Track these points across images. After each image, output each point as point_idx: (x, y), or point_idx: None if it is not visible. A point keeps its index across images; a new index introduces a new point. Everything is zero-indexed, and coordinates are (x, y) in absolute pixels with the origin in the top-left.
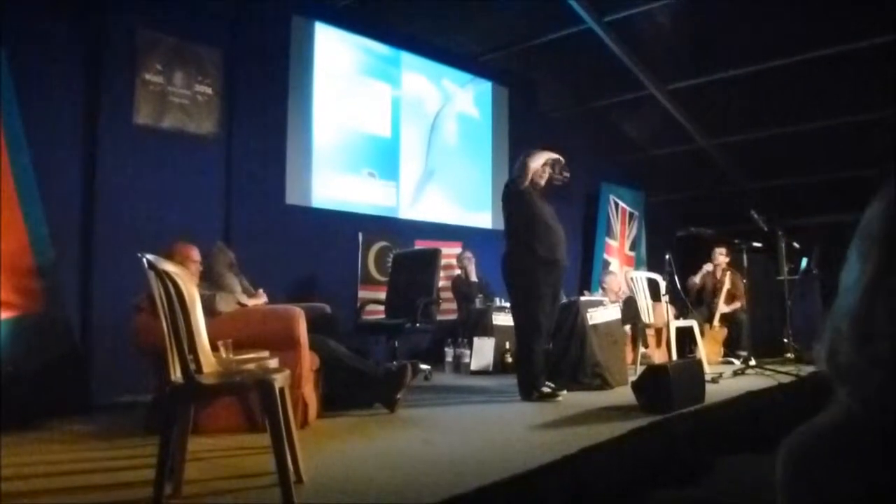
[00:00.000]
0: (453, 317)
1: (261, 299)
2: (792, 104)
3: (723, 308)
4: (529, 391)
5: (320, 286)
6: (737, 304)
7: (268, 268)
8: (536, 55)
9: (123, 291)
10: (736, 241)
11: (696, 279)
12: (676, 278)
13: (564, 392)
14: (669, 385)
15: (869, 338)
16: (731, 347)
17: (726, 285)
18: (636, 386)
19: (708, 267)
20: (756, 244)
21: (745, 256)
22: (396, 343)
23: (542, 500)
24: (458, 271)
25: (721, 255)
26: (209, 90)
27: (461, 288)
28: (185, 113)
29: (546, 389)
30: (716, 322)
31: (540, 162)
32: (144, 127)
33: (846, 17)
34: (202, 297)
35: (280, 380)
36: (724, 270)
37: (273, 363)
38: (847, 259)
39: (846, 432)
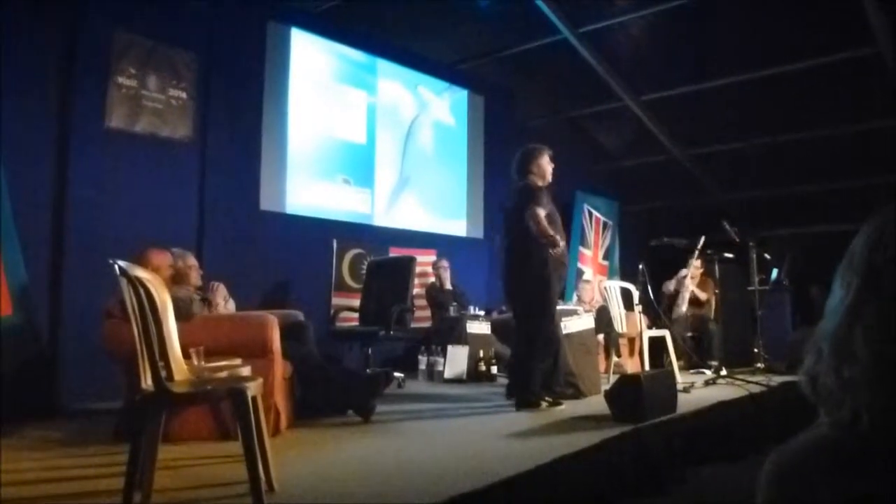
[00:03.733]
0: (427, 324)
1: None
2: (765, 117)
3: (679, 311)
4: (533, 401)
5: (293, 293)
6: (703, 295)
7: (241, 274)
8: (512, 64)
9: (93, 296)
10: (708, 251)
11: (671, 285)
12: (650, 288)
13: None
14: (642, 395)
15: (847, 360)
16: (701, 357)
17: (689, 287)
18: (609, 395)
19: (683, 272)
20: (728, 255)
21: (716, 267)
22: (370, 350)
23: None
24: (432, 279)
25: (697, 269)
26: (184, 94)
27: (435, 296)
28: (158, 117)
29: (549, 400)
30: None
31: (546, 159)
32: (117, 130)
33: (820, 31)
34: (178, 299)
35: (253, 388)
36: (698, 281)
37: (245, 371)
38: (832, 286)
39: (826, 450)
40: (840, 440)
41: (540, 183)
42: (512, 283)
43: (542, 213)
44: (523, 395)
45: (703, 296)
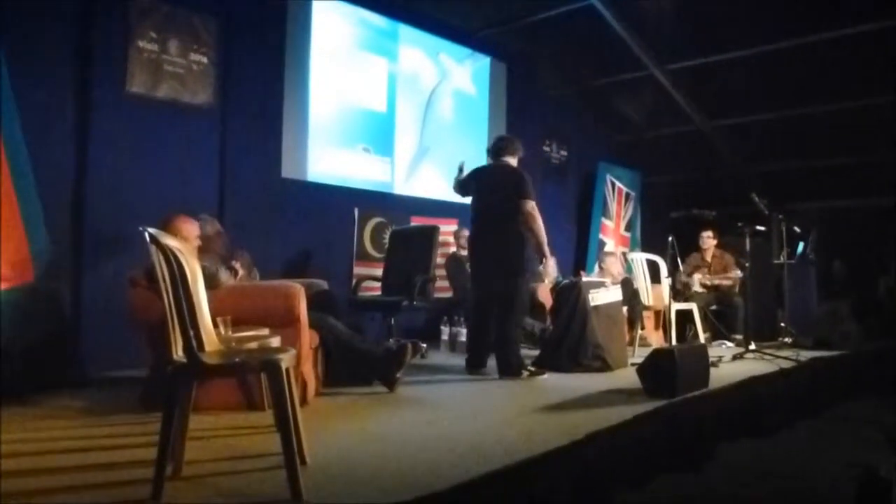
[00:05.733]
0: (448, 294)
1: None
2: (792, 88)
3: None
4: (520, 371)
5: (315, 262)
6: (729, 281)
7: (262, 242)
8: (536, 31)
9: (114, 262)
10: (739, 224)
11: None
12: (679, 261)
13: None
14: (675, 369)
15: None
16: (726, 329)
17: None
18: (641, 369)
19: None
20: (760, 227)
21: (747, 240)
22: (392, 321)
23: (550, 484)
24: (453, 249)
25: (709, 238)
26: (205, 59)
27: (455, 266)
28: (179, 82)
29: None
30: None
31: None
32: (138, 96)
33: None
34: (205, 267)
35: (286, 360)
36: (713, 255)
37: (275, 342)
38: None
39: None
40: None
41: None
42: (498, 261)
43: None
44: (513, 365)
45: (727, 282)
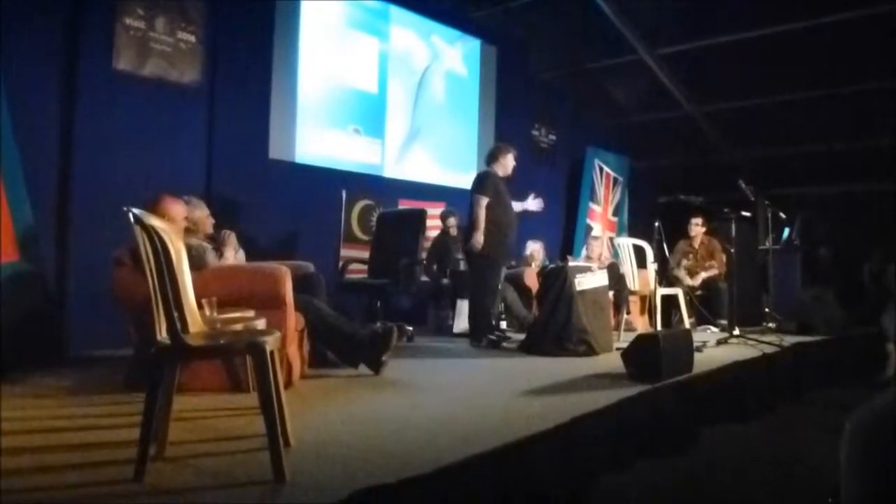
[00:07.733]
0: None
1: (230, 245)
2: (781, 73)
3: (686, 276)
4: (481, 337)
5: (302, 243)
6: (714, 271)
7: (248, 223)
8: (527, 14)
9: (100, 241)
10: (725, 209)
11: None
12: (665, 246)
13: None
14: (659, 354)
15: None
16: (710, 314)
17: (689, 244)
18: (626, 354)
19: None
20: (745, 213)
21: (733, 226)
22: (378, 303)
23: (534, 468)
24: (436, 232)
25: (697, 226)
26: (192, 38)
27: (443, 247)
28: (166, 60)
29: (493, 337)
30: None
31: (511, 157)
32: (125, 73)
33: None
34: (191, 248)
35: (271, 342)
36: (701, 242)
37: (261, 324)
38: None
39: None
40: None
41: (500, 173)
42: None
43: (483, 201)
44: (478, 331)
45: (714, 272)
